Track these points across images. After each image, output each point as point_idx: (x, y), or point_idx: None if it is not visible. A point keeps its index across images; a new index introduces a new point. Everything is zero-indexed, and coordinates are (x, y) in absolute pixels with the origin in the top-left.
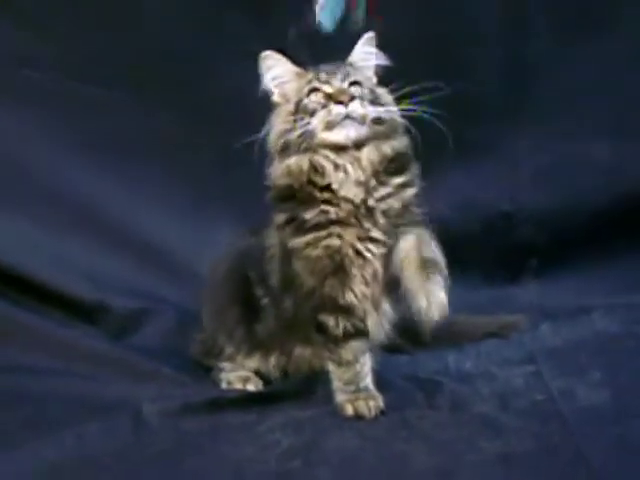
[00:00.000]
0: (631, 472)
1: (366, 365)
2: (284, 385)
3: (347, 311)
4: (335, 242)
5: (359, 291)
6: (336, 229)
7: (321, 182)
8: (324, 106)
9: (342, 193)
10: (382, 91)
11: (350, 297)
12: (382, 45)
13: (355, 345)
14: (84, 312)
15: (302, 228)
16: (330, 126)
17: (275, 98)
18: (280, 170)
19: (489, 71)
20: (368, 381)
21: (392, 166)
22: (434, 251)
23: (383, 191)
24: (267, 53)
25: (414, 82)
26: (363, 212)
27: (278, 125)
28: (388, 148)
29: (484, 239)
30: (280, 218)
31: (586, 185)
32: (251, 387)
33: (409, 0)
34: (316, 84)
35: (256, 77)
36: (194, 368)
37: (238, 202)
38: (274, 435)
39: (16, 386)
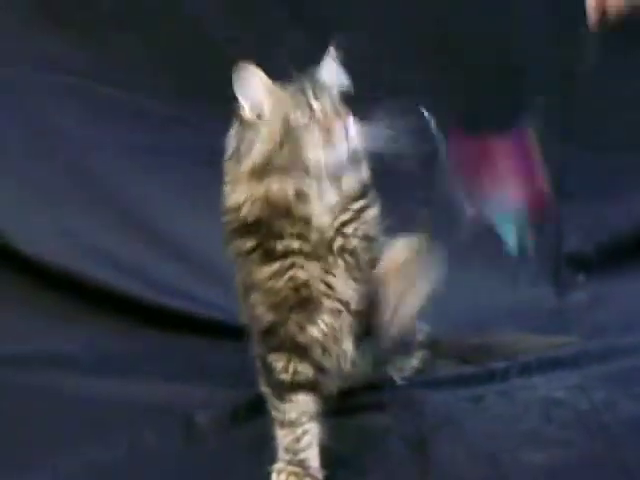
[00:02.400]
0: None
1: (309, 434)
2: None
3: (303, 351)
4: (301, 274)
5: (325, 325)
6: (302, 260)
7: (302, 212)
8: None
9: (316, 223)
10: None
11: (313, 332)
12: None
13: (302, 401)
14: (138, 312)
15: (267, 257)
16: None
17: (246, 114)
18: (253, 197)
19: (537, 81)
20: (310, 455)
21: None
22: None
23: (346, 216)
24: (243, 65)
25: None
26: (331, 239)
27: (261, 145)
28: (363, 173)
29: (532, 252)
30: (243, 245)
31: (635, 197)
32: None
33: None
34: (309, 102)
35: None
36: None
37: None
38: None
39: (61, 385)
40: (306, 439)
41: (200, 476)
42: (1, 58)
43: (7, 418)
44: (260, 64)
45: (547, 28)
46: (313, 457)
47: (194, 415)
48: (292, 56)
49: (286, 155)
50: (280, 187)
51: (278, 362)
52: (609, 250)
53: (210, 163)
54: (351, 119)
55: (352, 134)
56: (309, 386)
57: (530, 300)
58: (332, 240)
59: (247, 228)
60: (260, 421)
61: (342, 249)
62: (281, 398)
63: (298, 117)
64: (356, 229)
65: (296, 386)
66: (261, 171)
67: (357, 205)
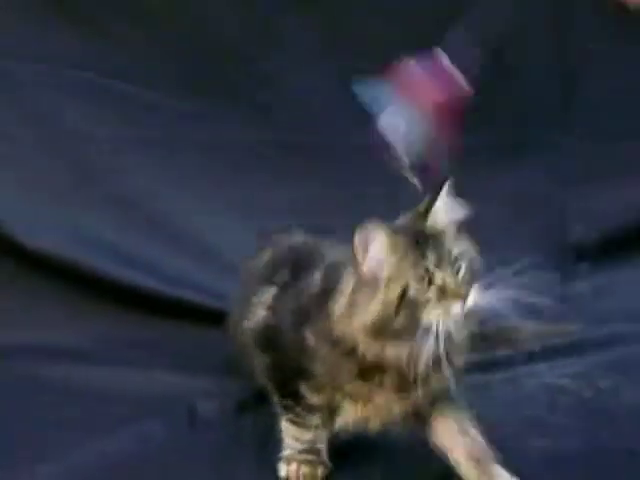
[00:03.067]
0: None
1: (324, 433)
2: None
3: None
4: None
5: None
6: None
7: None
8: (438, 300)
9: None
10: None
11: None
12: None
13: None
14: (144, 303)
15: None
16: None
17: (364, 271)
18: (367, 349)
19: (536, 70)
20: (322, 447)
21: None
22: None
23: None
24: (369, 225)
25: None
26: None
27: (377, 307)
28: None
29: (537, 241)
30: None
31: (638, 184)
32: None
33: None
34: (431, 274)
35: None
36: None
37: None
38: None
39: (70, 376)
40: (321, 435)
41: (206, 467)
42: (5, 52)
43: (14, 410)
44: None
45: (546, 19)
46: (324, 449)
47: (200, 406)
48: (294, 56)
49: (402, 322)
50: (395, 353)
51: (312, 396)
52: (612, 239)
53: (215, 156)
54: (474, 292)
55: (472, 306)
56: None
57: (534, 289)
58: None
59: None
60: (266, 411)
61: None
62: (310, 411)
63: (418, 290)
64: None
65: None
66: (376, 331)
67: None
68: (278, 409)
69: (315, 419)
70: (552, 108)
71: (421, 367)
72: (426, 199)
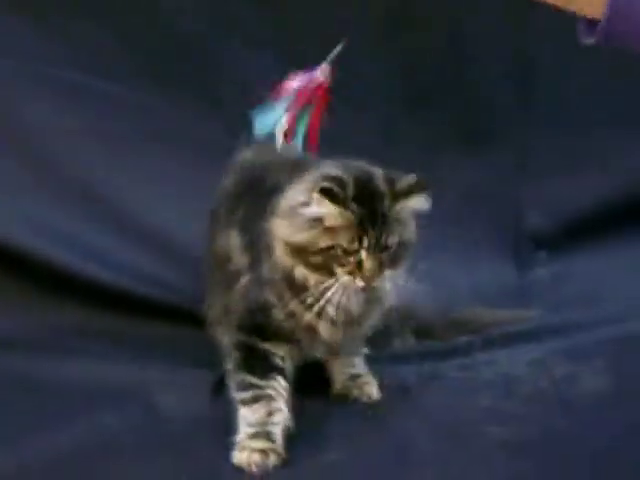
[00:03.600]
0: (637, 457)
1: (281, 413)
2: None
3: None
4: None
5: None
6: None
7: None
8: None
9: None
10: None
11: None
12: None
13: (280, 380)
14: (100, 296)
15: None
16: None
17: (313, 212)
18: (283, 260)
19: (495, 63)
20: (278, 431)
21: None
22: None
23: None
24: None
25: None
26: None
27: (302, 236)
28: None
29: (493, 230)
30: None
31: (595, 175)
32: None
33: None
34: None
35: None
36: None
37: None
38: None
39: (22, 366)
40: (278, 416)
41: (163, 458)
42: None
43: None
44: None
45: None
46: (280, 434)
47: (156, 396)
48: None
49: (316, 261)
50: (301, 276)
51: (276, 349)
52: (570, 227)
53: (178, 149)
54: (383, 280)
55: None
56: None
57: (491, 277)
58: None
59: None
60: (224, 401)
61: None
62: (262, 376)
63: (341, 255)
64: None
65: (281, 370)
66: (292, 251)
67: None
68: (232, 364)
69: (270, 388)
70: (506, 98)
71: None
72: (406, 181)
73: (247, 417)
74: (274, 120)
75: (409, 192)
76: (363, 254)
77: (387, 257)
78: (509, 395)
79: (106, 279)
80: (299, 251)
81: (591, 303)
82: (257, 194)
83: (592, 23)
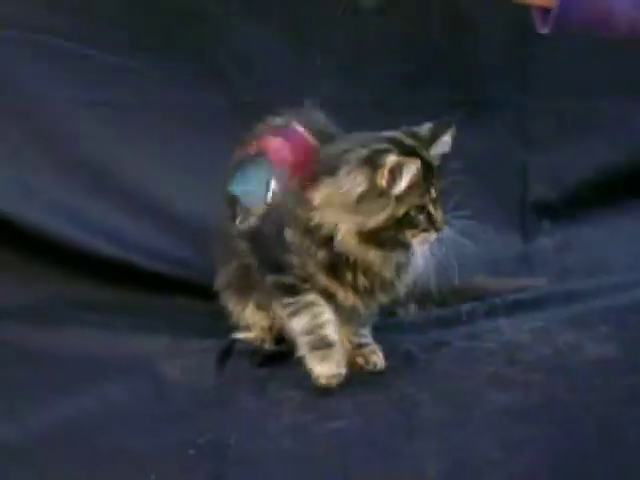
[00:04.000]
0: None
1: (326, 313)
2: None
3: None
4: None
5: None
6: None
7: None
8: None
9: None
10: None
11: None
12: None
13: (315, 295)
14: (103, 268)
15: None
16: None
17: (382, 182)
18: (350, 244)
19: (495, 33)
20: (330, 331)
21: None
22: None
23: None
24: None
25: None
26: None
27: (380, 217)
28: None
29: (496, 200)
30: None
31: (597, 144)
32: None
33: None
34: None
35: (267, 38)
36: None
37: None
38: (286, 392)
39: (27, 338)
40: (325, 316)
41: (169, 427)
42: None
43: None
44: None
45: None
46: (333, 332)
47: (161, 366)
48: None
49: (389, 236)
50: (377, 259)
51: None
52: (573, 196)
53: (179, 120)
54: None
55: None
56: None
57: (495, 247)
58: None
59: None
60: (228, 370)
61: None
62: (297, 292)
63: (415, 215)
64: None
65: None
66: (368, 236)
67: None
68: (276, 299)
69: (309, 296)
70: (508, 67)
71: (389, 275)
72: (430, 127)
73: (299, 326)
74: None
75: (434, 137)
76: (430, 207)
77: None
78: (512, 363)
79: (108, 250)
80: (371, 235)
81: (594, 272)
82: None
83: (546, 12)
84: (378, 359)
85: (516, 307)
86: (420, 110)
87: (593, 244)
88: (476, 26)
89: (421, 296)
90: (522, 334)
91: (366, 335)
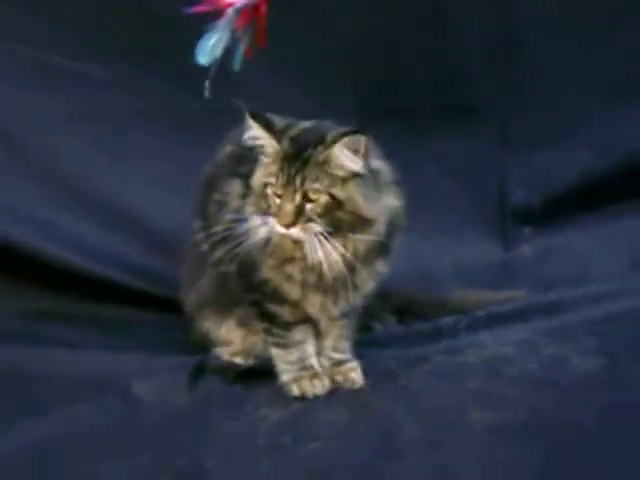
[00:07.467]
0: (625, 439)
1: (311, 348)
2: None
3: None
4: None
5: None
6: None
7: None
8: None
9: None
10: None
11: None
12: None
13: (304, 327)
14: (75, 283)
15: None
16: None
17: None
18: None
19: (479, 37)
20: (314, 361)
21: None
22: None
23: None
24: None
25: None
26: None
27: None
28: None
29: (477, 205)
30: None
31: (579, 150)
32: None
33: None
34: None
35: None
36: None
37: None
38: (262, 411)
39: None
40: (310, 349)
41: (142, 446)
42: None
43: None
44: None
45: None
46: (315, 362)
47: (133, 385)
48: None
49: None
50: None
51: (281, 312)
52: (554, 203)
53: (161, 130)
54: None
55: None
56: (308, 320)
57: (476, 253)
58: None
59: None
60: (202, 388)
61: None
62: (286, 329)
63: (268, 195)
64: None
65: (298, 322)
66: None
67: None
68: (263, 334)
69: (296, 335)
70: (490, 72)
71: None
72: (338, 132)
73: (285, 358)
74: (217, 42)
75: (335, 139)
76: (278, 190)
77: (313, 208)
78: (496, 377)
79: (77, 263)
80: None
81: (577, 281)
82: None
83: None
84: (357, 376)
85: (498, 319)
86: (403, 115)
87: (575, 251)
88: (460, 31)
89: (399, 307)
90: (505, 347)
91: (345, 351)
